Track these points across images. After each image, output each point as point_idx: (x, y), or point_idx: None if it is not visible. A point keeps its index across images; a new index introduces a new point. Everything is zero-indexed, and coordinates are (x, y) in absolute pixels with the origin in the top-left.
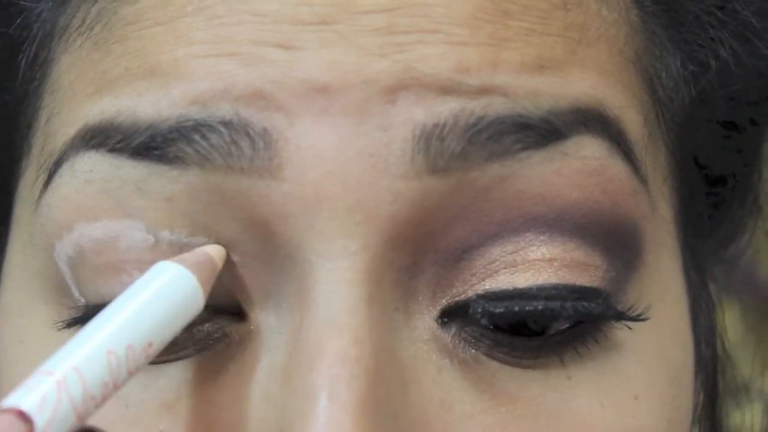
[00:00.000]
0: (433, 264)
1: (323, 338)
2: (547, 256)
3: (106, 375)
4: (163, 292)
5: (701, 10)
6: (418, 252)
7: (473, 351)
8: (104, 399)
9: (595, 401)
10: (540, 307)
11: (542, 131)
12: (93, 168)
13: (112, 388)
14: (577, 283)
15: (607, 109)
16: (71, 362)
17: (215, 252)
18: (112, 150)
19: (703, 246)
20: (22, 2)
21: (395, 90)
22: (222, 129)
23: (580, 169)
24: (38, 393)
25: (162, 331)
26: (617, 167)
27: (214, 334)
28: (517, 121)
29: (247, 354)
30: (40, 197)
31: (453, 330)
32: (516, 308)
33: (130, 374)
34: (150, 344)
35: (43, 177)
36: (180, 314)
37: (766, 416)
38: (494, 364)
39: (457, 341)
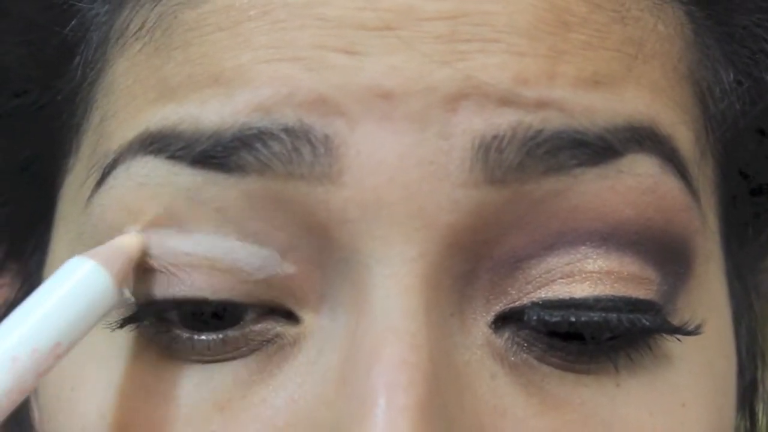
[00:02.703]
0: (488, 271)
1: (381, 343)
2: (605, 268)
3: (9, 382)
4: (74, 291)
5: (753, 23)
6: (474, 259)
7: (524, 355)
8: (11, 404)
9: (644, 409)
10: (596, 318)
11: (598, 149)
12: (149, 173)
13: (17, 393)
14: (633, 295)
15: (660, 127)
16: None
17: (131, 241)
18: (172, 157)
19: (744, 254)
20: (78, 3)
21: (456, 98)
22: (284, 136)
23: (634, 186)
24: None
25: (72, 330)
26: (670, 184)
27: (267, 335)
28: (574, 138)
29: (300, 356)
30: (91, 197)
31: (506, 334)
32: (572, 318)
33: (40, 376)
34: (58, 344)
35: (95, 177)
36: (91, 311)
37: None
38: (545, 368)
39: (509, 345)
